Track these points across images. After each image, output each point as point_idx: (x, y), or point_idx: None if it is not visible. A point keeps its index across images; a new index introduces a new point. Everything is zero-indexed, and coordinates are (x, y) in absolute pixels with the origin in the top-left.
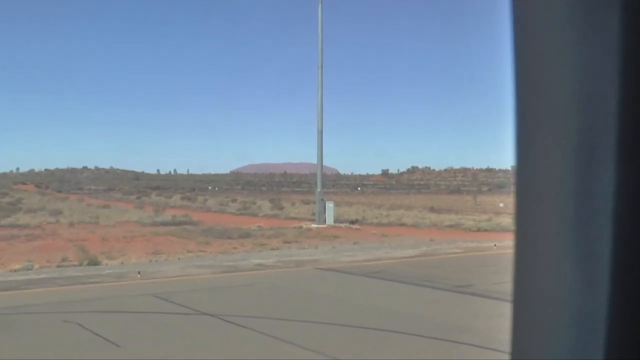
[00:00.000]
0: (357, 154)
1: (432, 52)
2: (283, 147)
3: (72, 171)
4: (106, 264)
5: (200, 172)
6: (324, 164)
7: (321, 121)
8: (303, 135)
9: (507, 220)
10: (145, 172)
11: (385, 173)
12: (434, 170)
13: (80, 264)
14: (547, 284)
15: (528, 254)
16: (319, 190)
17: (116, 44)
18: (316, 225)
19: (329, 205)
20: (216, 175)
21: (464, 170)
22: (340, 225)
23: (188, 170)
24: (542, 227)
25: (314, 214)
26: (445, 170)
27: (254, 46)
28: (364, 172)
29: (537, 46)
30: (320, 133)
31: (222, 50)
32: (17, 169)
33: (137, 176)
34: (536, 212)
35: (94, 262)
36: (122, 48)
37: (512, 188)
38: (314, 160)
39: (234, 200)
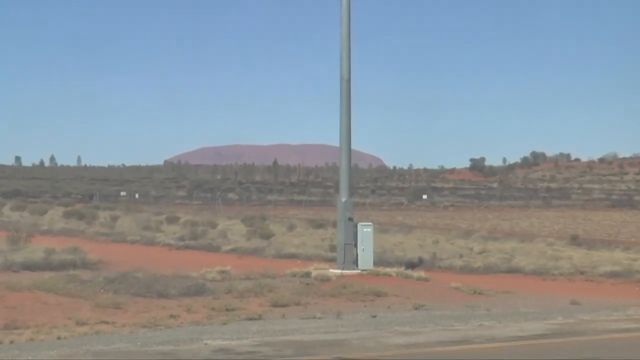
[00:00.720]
0: (421, 135)
1: None
2: (272, 118)
3: None
4: None
5: (104, 164)
6: (358, 148)
7: (348, 62)
8: (313, 98)
9: None
10: None
11: (477, 166)
12: (577, 161)
13: None
14: None
15: None
16: (343, 199)
17: None
18: (339, 271)
19: (365, 231)
20: (137, 169)
21: None
22: (388, 270)
23: (79, 160)
24: None
25: (333, 247)
26: (600, 161)
27: None
28: (433, 166)
29: None
30: (347, 83)
31: None
32: None
33: None
34: None
35: None
36: None
37: None
38: (333, 141)
39: (173, 219)
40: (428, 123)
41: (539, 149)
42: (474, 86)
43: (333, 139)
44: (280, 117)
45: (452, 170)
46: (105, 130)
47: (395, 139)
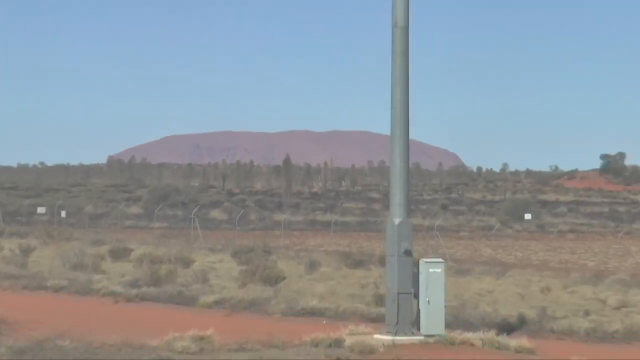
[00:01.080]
0: (520, 122)
1: None
2: (284, 92)
3: None
4: None
5: (11, 163)
6: (422, 139)
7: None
8: (348, 63)
9: None
10: None
11: (613, 167)
12: None
13: None
14: None
15: None
16: (397, 221)
17: None
18: (389, 338)
19: (433, 272)
20: (65, 170)
21: None
22: (470, 337)
23: None
24: None
25: (380, 298)
26: None
27: None
28: (542, 167)
29: None
30: (404, 32)
31: None
32: None
33: None
34: None
35: None
36: None
37: None
38: (380, 128)
39: (121, 252)
40: (530, 104)
41: None
42: (599, 48)
43: (379, 124)
44: (297, 91)
45: (573, 174)
46: (14, 112)
47: (479, 128)
